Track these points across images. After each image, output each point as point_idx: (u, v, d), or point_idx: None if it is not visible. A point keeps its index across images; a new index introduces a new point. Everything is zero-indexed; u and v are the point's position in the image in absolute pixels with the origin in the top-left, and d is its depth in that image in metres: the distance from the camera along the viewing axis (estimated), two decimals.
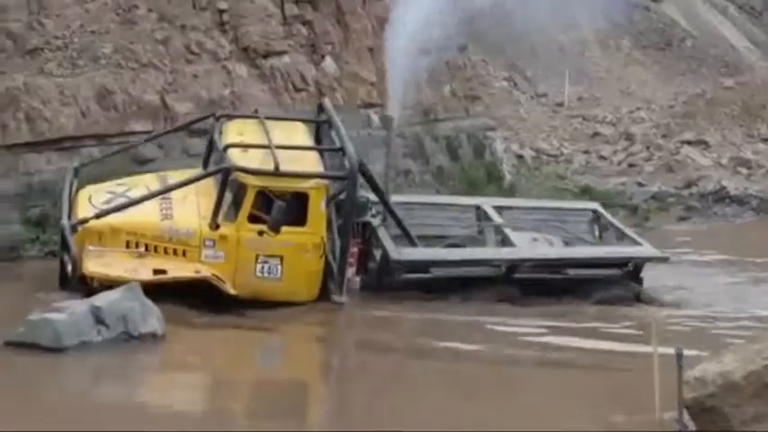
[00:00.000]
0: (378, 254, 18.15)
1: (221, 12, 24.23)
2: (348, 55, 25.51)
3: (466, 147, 28.07)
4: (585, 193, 29.91)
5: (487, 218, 19.57)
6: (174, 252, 16.70)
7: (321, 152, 18.33)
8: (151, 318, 15.01)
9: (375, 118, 25.73)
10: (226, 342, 16.00)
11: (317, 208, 17.06)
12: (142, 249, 16.57)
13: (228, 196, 17.07)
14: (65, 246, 16.95)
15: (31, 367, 13.63)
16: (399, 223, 18.56)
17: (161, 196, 17.23)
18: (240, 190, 16.98)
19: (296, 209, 16.88)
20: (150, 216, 16.89)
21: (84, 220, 16.87)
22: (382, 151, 25.43)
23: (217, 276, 16.58)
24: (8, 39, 22.07)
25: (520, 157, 32.48)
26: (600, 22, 37.59)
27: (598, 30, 38.70)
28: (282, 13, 24.85)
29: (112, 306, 14.67)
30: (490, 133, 29.32)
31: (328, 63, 25.18)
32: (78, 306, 14.67)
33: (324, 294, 17.39)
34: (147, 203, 17.03)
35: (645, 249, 19.68)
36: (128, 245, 16.58)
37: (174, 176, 17.76)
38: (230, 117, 19.65)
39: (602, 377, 14.55)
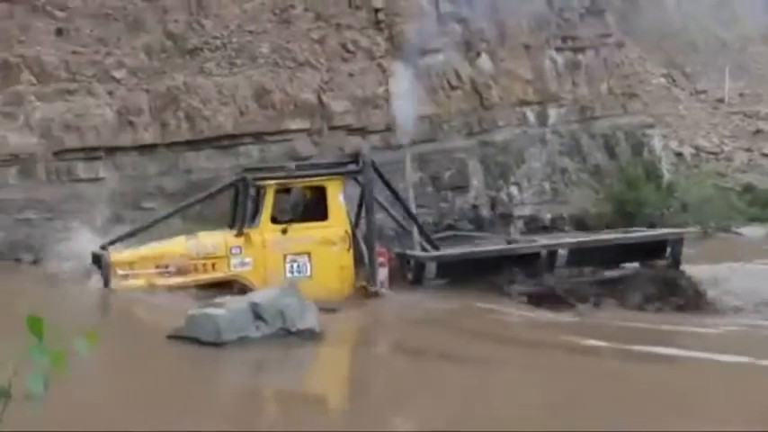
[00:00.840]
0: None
1: (376, 10, 24.30)
2: (504, 52, 25.34)
3: (623, 145, 27.67)
4: (748, 191, 29.19)
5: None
6: (204, 267, 16.71)
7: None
8: (309, 314, 15.04)
9: (531, 116, 25.54)
10: (383, 338, 15.90)
11: (336, 200, 17.10)
12: (172, 270, 16.60)
13: (249, 208, 17.15)
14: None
15: (199, 360, 13.81)
16: (418, 225, 18.16)
17: (186, 236, 17.29)
18: (259, 195, 17.10)
19: (316, 204, 16.95)
20: (176, 242, 17.03)
21: (104, 249, 16.90)
22: (537, 148, 25.30)
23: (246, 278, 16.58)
24: (168, 39, 22.47)
25: (679, 154, 31.89)
26: (763, 17, 36.68)
27: (761, 25, 37.72)
28: (437, 10, 24.82)
29: (271, 302, 14.76)
30: (648, 131, 28.86)
31: (484, 60, 25.05)
32: (237, 302, 14.80)
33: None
34: (173, 239, 17.15)
35: (675, 230, 19.94)
36: (157, 267, 16.62)
37: (204, 237, 17.37)
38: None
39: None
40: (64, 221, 20.65)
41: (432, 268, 17.39)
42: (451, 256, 17.57)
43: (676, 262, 18.44)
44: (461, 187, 24.11)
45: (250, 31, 23.11)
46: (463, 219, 23.78)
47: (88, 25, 22.04)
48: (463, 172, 24.18)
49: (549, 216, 25.00)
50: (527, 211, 24.83)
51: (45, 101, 21.19)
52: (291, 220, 16.75)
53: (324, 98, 23.13)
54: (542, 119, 25.70)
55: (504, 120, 25.03)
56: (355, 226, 17.36)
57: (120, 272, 16.41)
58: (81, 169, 21.26)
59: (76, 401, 9.35)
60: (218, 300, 14.96)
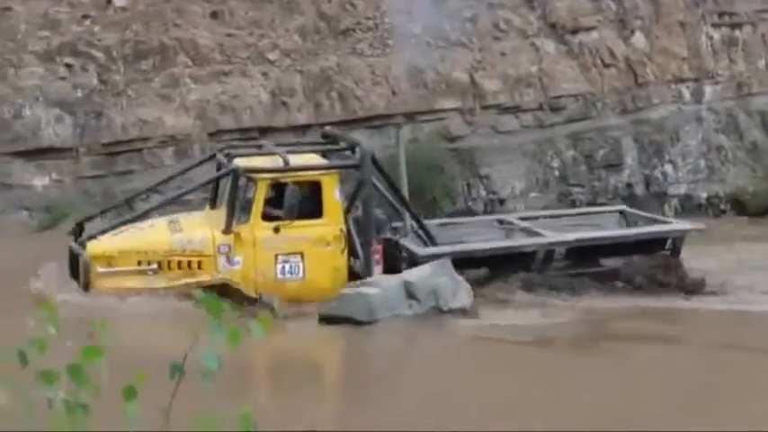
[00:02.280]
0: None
1: None
2: (659, 29, 24.90)
3: None
4: None
5: (512, 227, 18.41)
6: (189, 265, 15.39)
7: (332, 156, 17.26)
8: (461, 293, 15.07)
9: (686, 93, 25.06)
10: (538, 319, 15.71)
11: (332, 197, 15.89)
12: (155, 266, 15.29)
13: (239, 203, 15.95)
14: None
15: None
16: (417, 220, 17.10)
17: (168, 220, 16.12)
18: (250, 189, 15.94)
19: (310, 200, 15.77)
20: (160, 234, 15.68)
21: (83, 245, 15.58)
22: (692, 126, 24.81)
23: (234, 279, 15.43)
24: (322, 20, 22.62)
25: None
26: None
27: None
28: None
29: (423, 281, 14.82)
30: None
31: (638, 38, 24.65)
32: (390, 281, 14.89)
33: None
34: (155, 226, 15.94)
35: (679, 224, 18.77)
36: (139, 264, 15.31)
37: (189, 228, 16.08)
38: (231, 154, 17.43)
39: None
40: None
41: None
42: (447, 253, 16.26)
43: (676, 253, 17.56)
44: (615, 166, 23.79)
45: (402, 12, 23.11)
46: (617, 197, 23.46)
47: (242, 8, 22.32)
48: (617, 150, 23.85)
49: (704, 195, 24.50)
50: (682, 189, 24.38)
51: (200, 83, 21.55)
52: (292, 215, 15.59)
53: (476, 77, 23.04)
54: (698, 96, 25.18)
55: (658, 97, 24.60)
56: (347, 212, 16.30)
57: (100, 269, 15.10)
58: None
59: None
60: (372, 278, 15.08)
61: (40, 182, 20.44)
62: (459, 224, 18.71)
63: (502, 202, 22.63)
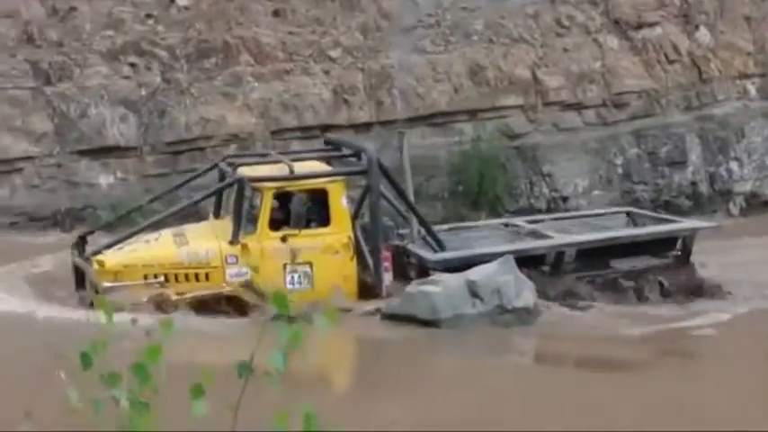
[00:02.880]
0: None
1: None
2: (723, 24, 24.65)
3: None
4: None
5: (518, 230, 17.94)
6: (197, 277, 15.13)
7: (337, 164, 16.90)
8: (525, 292, 14.98)
9: (752, 89, 24.79)
10: (603, 320, 15.57)
11: (339, 204, 15.59)
12: (162, 279, 15.00)
13: (245, 212, 15.65)
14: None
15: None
16: (426, 226, 16.63)
17: (173, 233, 15.81)
18: (256, 199, 15.70)
19: (316, 208, 15.55)
20: (165, 247, 15.41)
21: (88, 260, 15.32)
22: (758, 122, 24.53)
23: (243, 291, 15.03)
24: (383, 18, 22.62)
25: None
26: None
27: None
28: None
29: (487, 279, 14.74)
30: None
31: (702, 33, 24.42)
32: (453, 279, 14.83)
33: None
34: (160, 239, 15.63)
35: (690, 222, 18.36)
36: (146, 277, 14.98)
37: (190, 230, 16.13)
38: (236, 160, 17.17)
39: None
40: None
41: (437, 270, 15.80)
42: (457, 258, 15.92)
43: (687, 255, 17.18)
44: (679, 163, 23.58)
45: (464, 8, 23.06)
46: (681, 195, 23.27)
47: (304, 6, 22.37)
48: (681, 147, 23.64)
49: None
50: (747, 187, 24.12)
51: (263, 81, 21.63)
52: (299, 224, 15.33)
53: (538, 74, 22.93)
54: (764, 92, 24.89)
55: (723, 93, 24.35)
56: (354, 219, 16.01)
57: (106, 284, 14.70)
58: (297, 147, 21.59)
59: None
60: (435, 276, 15.03)
61: (105, 180, 20.62)
62: (466, 229, 18.21)
63: (565, 199, 22.51)
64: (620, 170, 23.10)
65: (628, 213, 19.18)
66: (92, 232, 16.59)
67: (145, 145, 20.87)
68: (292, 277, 15.30)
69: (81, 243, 15.91)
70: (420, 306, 14.45)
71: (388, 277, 15.49)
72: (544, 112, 22.75)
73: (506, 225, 18.32)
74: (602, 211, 19.88)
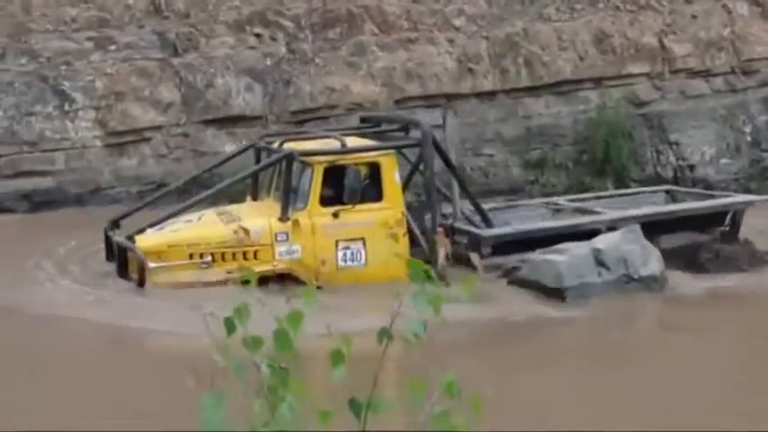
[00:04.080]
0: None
1: None
2: None
3: None
4: None
5: (559, 209, 17.45)
6: (245, 256, 14.68)
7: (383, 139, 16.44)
8: (652, 260, 14.85)
9: None
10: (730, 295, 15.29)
11: (392, 179, 15.10)
12: (209, 258, 14.60)
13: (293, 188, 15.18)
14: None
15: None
16: (475, 203, 16.22)
17: (217, 212, 15.49)
18: (306, 174, 15.09)
19: (368, 183, 15.01)
20: (211, 225, 15.06)
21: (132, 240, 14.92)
22: None
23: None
24: None
25: None
26: None
27: None
28: None
29: (613, 248, 14.65)
30: None
31: None
32: (579, 248, 14.76)
33: None
34: (203, 218, 15.28)
35: (741, 196, 17.88)
36: (191, 257, 14.63)
37: (233, 209, 15.74)
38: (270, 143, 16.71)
39: None
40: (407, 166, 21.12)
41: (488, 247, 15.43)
42: (513, 233, 15.72)
43: (736, 229, 16.71)
44: None
45: None
46: None
47: None
48: None
49: None
50: None
51: (387, 50, 21.65)
52: (354, 199, 14.83)
53: (665, 41, 22.58)
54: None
55: None
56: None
57: (151, 265, 14.41)
58: (421, 116, 21.59)
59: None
60: (560, 245, 14.95)
61: (230, 149, 20.86)
62: (505, 209, 17.68)
63: (692, 168, 22.17)
64: (748, 138, 22.67)
65: (667, 191, 18.85)
66: (126, 215, 16.04)
67: (270, 114, 21.06)
68: (344, 254, 14.85)
69: (113, 227, 15.55)
70: (545, 274, 14.45)
71: (442, 253, 15.01)
72: (671, 80, 22.42)
73: (547, 204, 17.94)
74: (641, 189, 19.47)
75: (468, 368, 10.02)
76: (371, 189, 15.05)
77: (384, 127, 17.13)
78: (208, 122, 20.96)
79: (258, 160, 16.29)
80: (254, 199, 16.15)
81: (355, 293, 13.71)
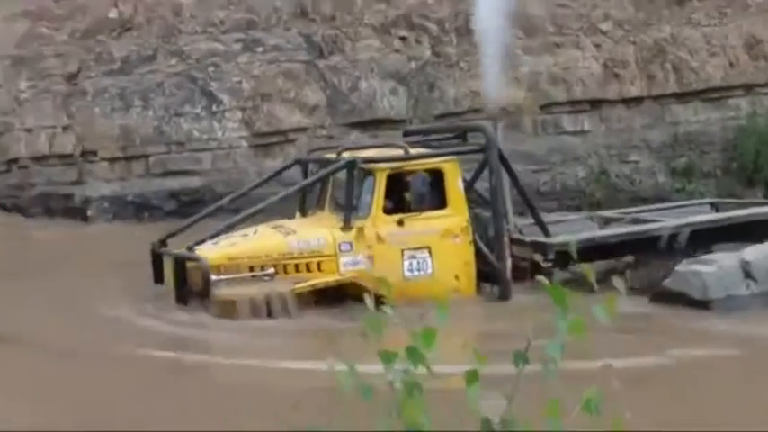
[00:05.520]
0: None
1: None
2: None
3: None
4: None
5: (608, 221, 16.73)
6: (308, 267, 14.12)
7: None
8: None
9: None
10: None
11: (455, 186, 14.55)
12: (270, 270, 14.02)
13: (359, 196, 14.60)
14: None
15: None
16: (533, 211, 15.63)
17: (271, 225, 14.77)
18: (368, 182, 14.53)
19: (432, 191, 14.48)
20: (271, 237, 14.43)
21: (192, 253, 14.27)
22: None
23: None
24: None
25: None
26: None
27: None
28: None
29: (762, 260, 14.28)
30: None
31: None
32: (727, 259, 14.42)
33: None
34: (261, 232, 14.57)
35: None
36: (251, 269, 14.05)
37: (288, 222, 15.06)
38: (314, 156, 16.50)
39: None
40: (551, 173, 21.00)
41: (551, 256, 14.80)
42: (580, 240, 14.76)
43: None
44: None
45: None
46: None
47: None
48: None
49: None
50: None
51: (532, 54, 21.49)
52: (421, 205, 14.35)
53: None
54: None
55: None
56: None
57: (213, 278, 13.82)
58: (566, 122, 21.43)
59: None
60: (707, 256, 14.64)
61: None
62: (554, 223, 16.58)
63: None
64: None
65: (711, 204, 18.16)
66: (173, 234, 15.25)
67: (414, 117, 21.07)
68: (411, 263, 14.29)
69: (161, 246, 14.94)
70: (691, 285, 14.12)
71: (509, 264, 14.55)
72: None
73: (591, 219, 17.23)
74: (687, 203, 18.66)
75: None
76: (435, 196, 14.58)
77: (434, 137, 16.70)
78: (352, 125, 21.07)
79: (306, 175, 15.78)
80: (303, 215, 15.51)
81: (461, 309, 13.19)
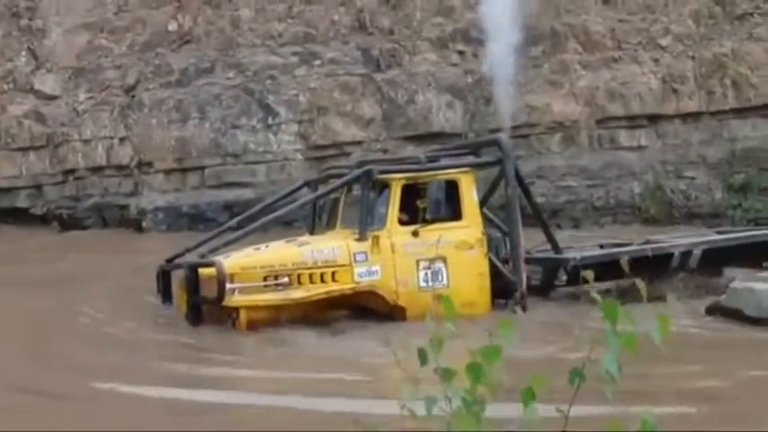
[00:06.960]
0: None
1: None
2: None
3: None
4: None
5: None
6: (322, 278, 13.96)
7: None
8: None
9: None
10: None
11: (470, 197, 14.43)
12: (285, 280, 13.87)
13: (373, 207, 14.48)
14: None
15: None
16: (545, 227, 15.51)
17: (285, 240, 14.82)
18: (383, 193, 14.46)
19: (447, 202, 14.29)
20: (285, 247, 14.42)
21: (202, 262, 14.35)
22: None
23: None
24: (716, 5, 21.98)
25: None
26: None
27: None
28: None
29: None
30: None
31: None
32: None
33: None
34: (275, 244, 14.56)
35: None
36: (265, 279, 13.89)
37: (300, 237, 15.07)
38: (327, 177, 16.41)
39: None
40: (606, 188, 20.89)
41: (564, 272, 14.90)
42: (599, 255, 14.95)
43: None
44: None
45: None
46: None
47: None
48: None
49: None
50: None
51: (590, 69, 21.42)
52: (437, 214, 14.17)
53: None
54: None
55: None
56: None
57: (228, 285, 13.73)
58: (623, 137, 21.33)
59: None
60: (762, 274, 14.52)
61: None
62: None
63: None
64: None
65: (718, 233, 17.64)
66: (181, 254, 15.35)
67: (470, 132, 21.04)
68: (426, 274, 14.10)
69: (170, 262, 15.18)
70: (746, 302, 14.00)
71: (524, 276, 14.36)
72: None
73: (601, 246, 16.72)
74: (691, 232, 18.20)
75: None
76: (450, 208, 14.40)
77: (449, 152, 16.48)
78: (407, 138, 21.09)
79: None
80: (311, 233, 15.43)
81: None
